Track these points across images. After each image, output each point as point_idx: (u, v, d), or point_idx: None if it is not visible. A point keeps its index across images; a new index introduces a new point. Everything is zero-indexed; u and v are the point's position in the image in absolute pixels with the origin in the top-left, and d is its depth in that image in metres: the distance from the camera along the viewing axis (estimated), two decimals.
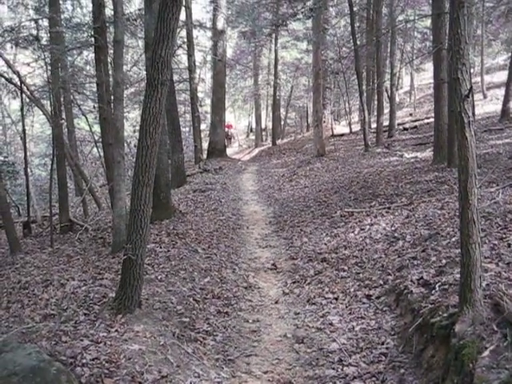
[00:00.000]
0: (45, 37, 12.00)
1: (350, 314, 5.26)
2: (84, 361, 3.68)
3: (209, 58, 28.71)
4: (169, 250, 7.45)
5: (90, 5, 9.86)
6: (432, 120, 15.67)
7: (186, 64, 21.84)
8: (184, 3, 18.68)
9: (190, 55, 20.86)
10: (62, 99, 10.69)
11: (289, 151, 24.22)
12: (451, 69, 3.67)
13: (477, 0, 19.77)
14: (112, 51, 7.96)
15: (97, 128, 15.20)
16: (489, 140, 13.48)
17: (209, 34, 26.70)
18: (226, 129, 26.38)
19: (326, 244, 7.88)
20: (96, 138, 14.34)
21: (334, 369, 4.21)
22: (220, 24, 23.50)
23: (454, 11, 3.62)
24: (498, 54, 33.10)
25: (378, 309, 5.17)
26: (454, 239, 5.69)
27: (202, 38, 31.32)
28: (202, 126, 29.38)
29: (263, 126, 38.66)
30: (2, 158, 17.68)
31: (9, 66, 9.87)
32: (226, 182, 16.68)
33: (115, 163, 7.44)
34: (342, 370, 4.17)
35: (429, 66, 31.22)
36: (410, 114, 28.06)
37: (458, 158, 3.69)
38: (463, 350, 3.36)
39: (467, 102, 3.59)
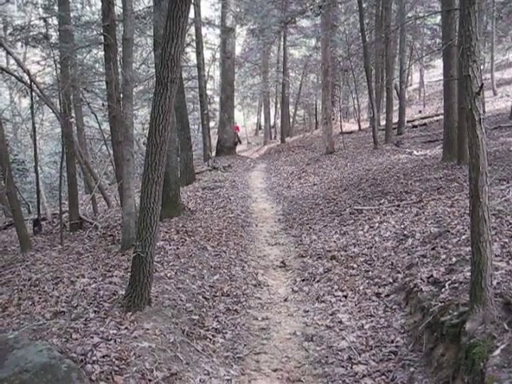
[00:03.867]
0: (54, 35, 12.07)
1: (359, 311, 5.25)
2: (94, 358, 3.69)
3: (217, 55, 28.78)
4: (178, 248, 7.46)
5: (99, 3, 9.90)
6: (442, 117, 15.61)
7: (195, 62, 21.91)
8: (193, 1, 18.69)
9: (199, 53, 20.91)
10: (71, 97, 10.73)
11: (298, 149, 24.19)
12: (462, 66, 3.65)
13: None
14: (121, 49, 7.97)
15: (106, 126, 15.28)
16: (499, 137, 13.39)
17: (217, 31, 26.75)
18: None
19: (335, 242, 7.86)
20: (105, 136, 14.40)
21: (343, 367, 4.21)
22: (229, 21, 23.50)
23: (464, 8, 3.59)
24: (508, 51, 32.87)
25: (387, 307, 5.15)
26: (464, 237, 5.65)
27: (211, 36, 31.45)
28: (211, 124, 29.41)
29: (272, 124, 38.66)
30: (12, 156, 17.78)
31: (19, 64, 9.91)
32: (234, 179, 16.69)
33: (124, 161, 7.46)
34: (351, 368, 4.16)
35: (438, 63, 31.15)
36: (420, 111, 27.97)
37: (469, 156, 3.66)
38: (474, 349, 3.34)
39: (478, 99, 3.57)
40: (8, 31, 11.95)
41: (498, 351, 3.21)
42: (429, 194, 8.50)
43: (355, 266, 6.52)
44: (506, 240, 5.13)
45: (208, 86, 27.83)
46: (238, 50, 32.71)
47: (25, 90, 11.36)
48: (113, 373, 3.59)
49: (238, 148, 28.36)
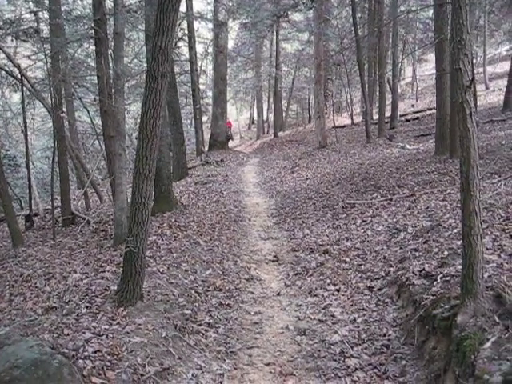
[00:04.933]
0: (45, 29, 11.98)
1: (351, 305, 5.26)
2: (86, 353, 3.68)
3: (210, 49, 28.69)
4: (170, 243, 7.45)
5: None
6: (434, 111, 15.65)
7: (187, 56, 21.80)
8: None
9: (191, 47, 20.82)
10: (62, 92, 10.66)
11: (291, 143, 24.20)
12: (453, 59, 3.65)
13: None
14: (112, 43, 7.92)
15: (98, 121, 15.17)
16: (491, 131, 13.44)
17: (210, 25, 26.65)
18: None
19: (327, 236, 7.88)
20: (97, 130, 14.32)
21: (335, 360, 4.22)
22: (221, 15, 23.42)
23: (456, 1, 3.58)
24: (500, 45, 32.96)
25: (379, 300, 5.17)
26: (455, 230, 5.68)
27: (203, 30, 31.32)
28: (204, 119, 29.32)
29: (265, 118, 38.64)
30: (4, 152, 17.68)
31: (9, 58, 9.82)
32: (227, 174, 16.68)
33: (116, 156, 7.43)
34: (343, 361, 4.17)
35: (431, 57, 31.15)
36: (412, 105, 28.01)
37: (460, 149, 3.67)
38: (465, 342, 3.36)
39: (469, 93, 3.56)
40: None
41: (488, 344, 3.22)
42: (421, 188, 8.53)
43: (348, 259, 6.53)
44: (498, 233, 5.15)
45: (201, 81, 27.76)
46: (230, 44, 32.64)
47: (15, 85, 11.26)
48: (105, 368, 3.58)
49: (231, 142, 28.30)
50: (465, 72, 3.54)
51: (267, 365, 4.31)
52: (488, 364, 3.06)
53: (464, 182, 3.61)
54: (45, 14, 11.87)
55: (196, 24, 23.38)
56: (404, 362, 3.94)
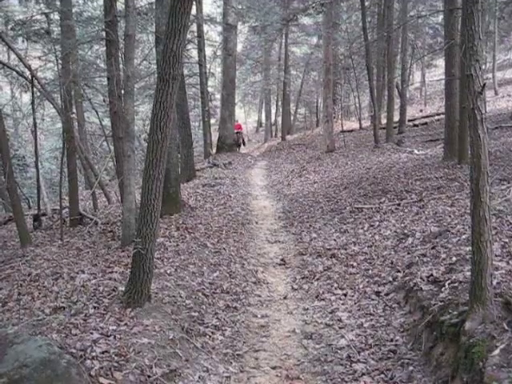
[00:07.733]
0: (56, 30, 12.05)
1: (358, 310, 5.26)
2: (94, 354, 3.70)
3: (219, 52, 28.70)
4: (178, 245, 7.47)
5: None
6: (443, 116, 15.60)
7: (196, 58, 21.85)
8: None
9: (201, 50, 20.87)
10: (72, 93, 10.72)
11: (298, 146, 24.19)
12: (464, 65, 3.64)
13: None
14: (123, 45, 7.96)
15: (107, 122, 15.26)
16: (500, 137, 13.37)
17: (219, 28, 26.69)
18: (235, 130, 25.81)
19: (335, 240, 7.87)
20: (106, 131, 14.39)
21: (342, 365, 4.21)
22: (230, 19, 23.46)
23: (467, 7, 3.58)
24: (510, 50, 32.83)
25: (387, 305, 5.15)
26: (464, 236, 5.65)
27: (213, 33, 31.32)
28: (212, 121, 29.36)
29: (273, 121, 38.63)
30: (13, 152, 17.78)
31: (20, 59, 9.86)
32: (235, 176, 16.68)
33: (125, 157, 7.45)
34: (350, 366, 4.17)
35: (440, 62, 31.11)
36: (421, 111, 27.94)
37: (470, 155, 3.66)
38: (473, 349, 3.34)
39: (480, 99, 3.56)
40: (9, 26, 11.91)
41: (497, 351, 3.21)
42: (429, 193, 8.50)
43: (355, 264, 6.52)
44: (507, 240, 5.14)
45: (209, 83, 27.81)
46: (239, 48, 32.66)
47: (26, 85, 11.35)
48: (112, 369, 3.59)
49: (242, 147, 28.01)
50: (476, 78, 3.54)
51: (273, 368, 4.32)
52: (497, 371, 3.04)
53: (474, 188, 3.60)
54: (56, 16, 11.95)
55: (205, 27, 23.41)
56: (411, 368, 3.93)
